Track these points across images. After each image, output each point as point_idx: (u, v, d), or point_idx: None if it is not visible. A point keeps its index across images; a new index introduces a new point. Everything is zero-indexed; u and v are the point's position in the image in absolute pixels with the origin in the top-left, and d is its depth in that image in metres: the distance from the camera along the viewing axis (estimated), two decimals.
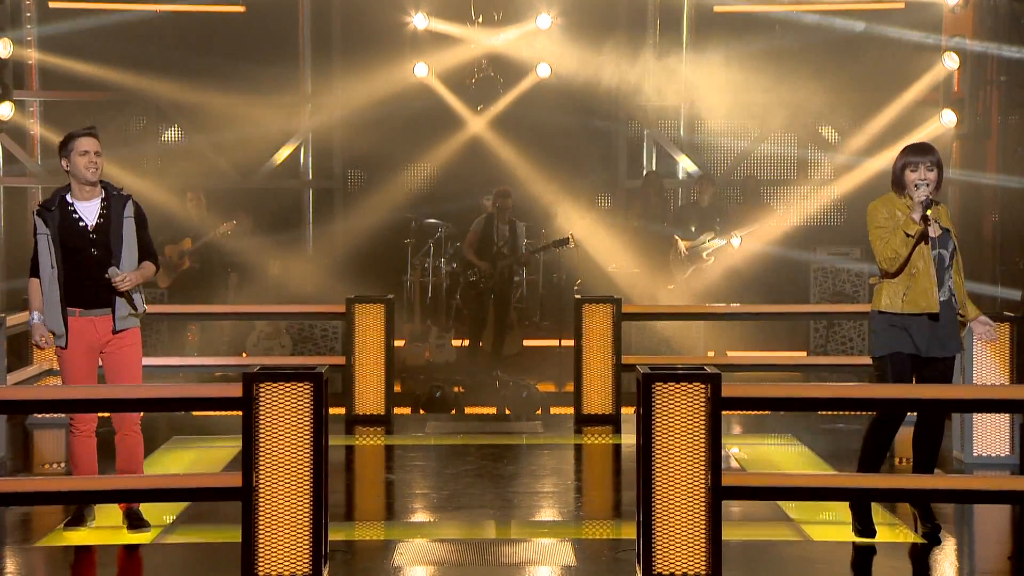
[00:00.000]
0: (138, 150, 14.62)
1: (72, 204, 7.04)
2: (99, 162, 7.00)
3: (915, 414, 7.13)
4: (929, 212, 6.80)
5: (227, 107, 14.86)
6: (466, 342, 13.97)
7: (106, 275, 6.95)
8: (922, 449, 7.05)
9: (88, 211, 7.04)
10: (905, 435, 7.20)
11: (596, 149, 15.88)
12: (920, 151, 6.94)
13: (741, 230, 13.47)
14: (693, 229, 13.74)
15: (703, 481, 6.07)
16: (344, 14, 15.25)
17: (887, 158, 12.18)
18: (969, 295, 7.12)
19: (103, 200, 7.06)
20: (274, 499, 6.06)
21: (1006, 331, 8.71)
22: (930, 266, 6.82)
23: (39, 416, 9.89)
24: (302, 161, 15.52)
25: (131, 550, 6.96)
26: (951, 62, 13.28)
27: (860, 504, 6.99)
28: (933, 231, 6.80)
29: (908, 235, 6.78)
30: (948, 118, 13.39)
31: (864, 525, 6.99)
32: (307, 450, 6.06)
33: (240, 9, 15.16)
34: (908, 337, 6.87)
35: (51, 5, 14.74)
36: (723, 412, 6.12)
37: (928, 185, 6.81)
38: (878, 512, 7.26)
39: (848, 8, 14.70)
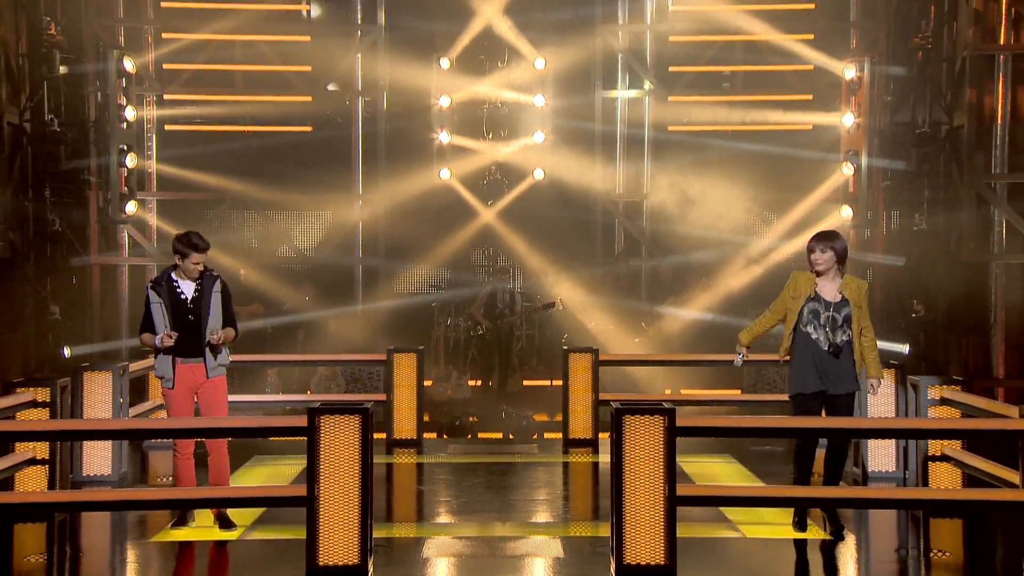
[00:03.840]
0: (230, 236, 14.68)
1: (176, 282, 7.18)
2: (202, 268, 7.16)
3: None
4: (838, 284, 6.88)
5: (298, 202, 14.94)
6: (479, 382, 13.93)
7: (207, 332, 7.06)
8: (829, 467, 7.06)
9: (188, 288, 7.18)
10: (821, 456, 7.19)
11: (578, 234, 15.90)
12: (816, 238, 7.04)
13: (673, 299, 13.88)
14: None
15: (662, 491, 6.04)
16: (388, 132, 15.37)
17: (800, 242, 12.23)
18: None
19: (198, 280, 7.18)
20: (331, 505, 6.04)
21: (892, 375, 8.69)
22: (817, 329, 6.86)
23: (153, 441, 9.85)
24: (354, 244, 15.58)
25: (221, 545, 6.93)
26: (848, 170, 13.33)
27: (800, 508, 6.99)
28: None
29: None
30: (846, 212, 13.42)
31: (801, 522, 7.01)
32: (356, 467, 6.06)
33: (308, 129, 15.33)
34: (809, 379, 6.87)
35: (166, 128, 14.89)
36: (677, 438, 6.12)
37: (822, 265, 6.89)
38: (796, 515, 7.23)
39: (769, 129, 14.82)
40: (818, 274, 6.91)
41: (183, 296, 7.14)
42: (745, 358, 7.08)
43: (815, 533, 7.06)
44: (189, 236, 7.18)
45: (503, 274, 14.08)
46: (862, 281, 7.05)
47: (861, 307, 6.91)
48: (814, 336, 6.87)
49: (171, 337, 7.04)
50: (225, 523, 7.12)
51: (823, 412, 7.01)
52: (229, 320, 7.22)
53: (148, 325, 7.14)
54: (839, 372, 6.87)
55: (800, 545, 6.87)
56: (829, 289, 6.90)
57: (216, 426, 6.78)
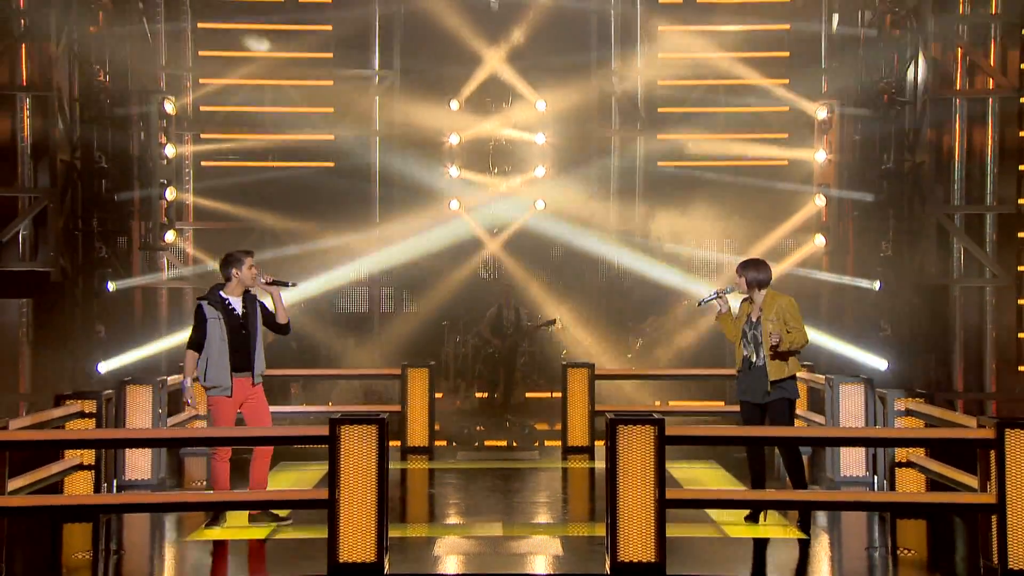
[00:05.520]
0: (259, 263, 14.71)
1: (227, 299, 7.21)
2: (256, 272, 7.22)
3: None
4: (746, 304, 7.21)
5: (320, 233, 14.99)
6: (485, 395, 13.93)
7: (261, 279, 7.20)
8: (791, 472, 7.22)
9: (237, 304, 7.22)
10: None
11: (576, 260, 15.93)
12: (738, 265, 7.38)
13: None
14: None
15: (653, 494, 6.05)
16: (401, 168, 15.46)
17: (777, 267, 12.25)
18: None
19: (243, 296, 7.21)
20: (350, 507, 6.05)
21: (861, 388, 8.69)
22: (746, 347, 7.21)
23: (189, 448, 9.85)
24: (371, 269, 15.59)
25: (252, 543, 6.91)
26: (820, 201, 13.43)
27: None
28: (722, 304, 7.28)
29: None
30: (819, 240, 13.50)
31: (754, 516, 7.17)
32: (373, 472, 6.07)
33: (330, 164, 15.41)
34: (742, 389, 7.23)
35: (202, 164, 14.99)
36: (666, 445, 6.14)
37: (739, 288, 7.28)
38: (774, 516, 7.25)
39: (749, 164, 14.89)
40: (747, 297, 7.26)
41: (235, 312, 7.19)
42: (714, 298, 7.23)
43: (792, 533, 7.06)
44: (234, 252, 7.27)
45: (507, 296, 14.08)
46: (784, 297, 7.26)
47: (781, 318, 7.14)
48: (745, 353, 7.23)
49: (192, 402, 7.28)
50: (272, 516, 7.19)
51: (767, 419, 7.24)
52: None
53: (201, 339, 7.10)
54: (759, 383, 7.13)
55: (777, 544, 6.87)
56: (755, 311, 7.21)
57: (250, 435, 6.80)
